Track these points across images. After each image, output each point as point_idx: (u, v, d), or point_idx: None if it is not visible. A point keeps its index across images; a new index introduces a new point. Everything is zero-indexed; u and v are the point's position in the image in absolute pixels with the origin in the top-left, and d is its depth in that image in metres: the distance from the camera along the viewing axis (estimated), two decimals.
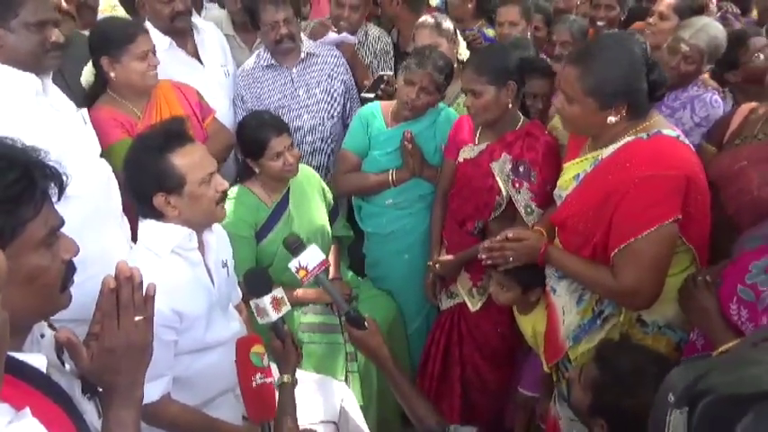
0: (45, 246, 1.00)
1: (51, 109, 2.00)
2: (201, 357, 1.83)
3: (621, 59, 1.72)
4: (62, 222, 1.04)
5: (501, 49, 2.56)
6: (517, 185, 2.31)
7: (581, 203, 1.84)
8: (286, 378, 1.82)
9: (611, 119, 1.74)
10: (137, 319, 1.07)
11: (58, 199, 1.03)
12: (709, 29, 2.55)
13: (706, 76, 2.76)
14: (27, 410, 0.88)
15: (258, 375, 1.58)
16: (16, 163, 0.97)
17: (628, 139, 1.77)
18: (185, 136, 1.75)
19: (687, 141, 1.84)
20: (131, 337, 1.07)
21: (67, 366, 1.12)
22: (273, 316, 1.75)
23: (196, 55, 2.92)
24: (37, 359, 0.99)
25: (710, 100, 2.51)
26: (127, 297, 1.06)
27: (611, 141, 1.80)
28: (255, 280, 1.79)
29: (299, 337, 2.53)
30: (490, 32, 3.69)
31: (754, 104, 2.24)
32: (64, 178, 1.02)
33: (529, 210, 2.31)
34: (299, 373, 2.09)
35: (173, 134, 1.73)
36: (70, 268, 1.06)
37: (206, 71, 2.91)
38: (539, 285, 2.14)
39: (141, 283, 1.09)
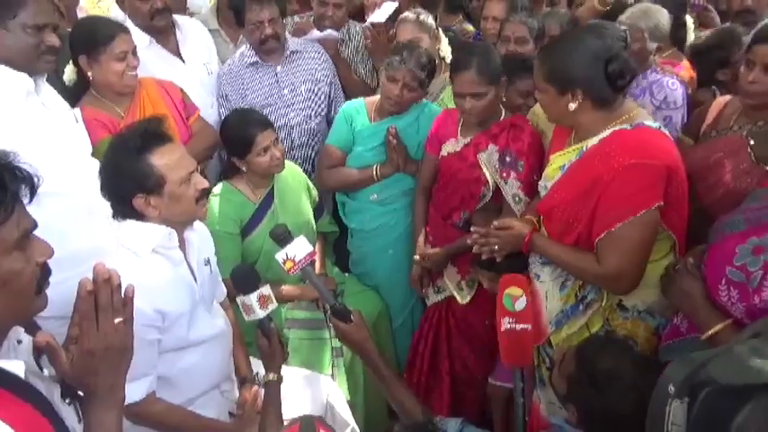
0: (18, 249, 0.99)
1: (42, 108, 1.98)
2: (186, 355, 1.82)
3: (575, 49, 1.83)
4: (35, 225, 1.03)
5: (488, 48, 2.53)
6: (505, 175, 2.33)
7: (567, 192, 1.89)
8: (272, 376, 1.83)
9: (572, 105, 1.84)
10: (116, 321, 1.06)
11: (30, 201, 1.02)
12: (645, 9, 2.73)
13: (686, 67, 2.79)
14: None
15: (506, 320, 1.59)
16: None
17: (612, 129, 1.84)
18: (164, 135, 1.73)
19: (667, 132, 1.90)
20: (110, 340, 1.06)
21: (46, 371, 1.11)
22: (260, 313, 1.75)
23: (177, 52, 2.89)
24: (15, 365, 0.98)
25: (668, 83, 2.60)
26: (106, 299, 1.05)
27: (593, 132, 1.87)
28: (243, 277, 1.79)
29: (284, 333, 2.53)
30: (469, 28, 3.69)
31: (728, 97, 2.28)
32: (35, 180, 1.01)
33: (517, 199, 2.32)
34: (287, 369, 2.10)
35: (150, 134, 1.71)
36: (45, 271, 1.05)
37: (187, 68, 2.88)
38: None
39: (120, 284, 1.08)
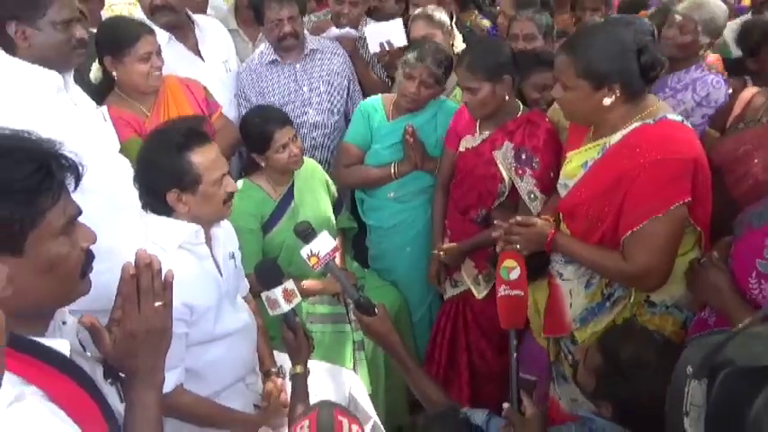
0: (64, 234, 1.02)
1: (72, 105, 2.03)
2: (212, 348, 1.86)
3: (608, 41, 1.78)
4: (80, 211, 1.07)
5: (493, 44, 2.54)
6: (520, 172, 2.33)
7: (590, 189, 1.87)
8: (299, 368, 1.85)
9: (606, 100, 1.79)
10: (156, 304, 1.11)
11: (75, 188, 1.06)
12: (703, 2, 2.59)
13: (714, 59, 2.75)
14: (27, 391, 0.91)
15: (503, 287, 1.80)
16: (34, 155, 0.99)
17: (635, 124, 1.81)
18: (205, 135, 1.78)
19: (689, 125, 1.88)
20: (151, 322, 1.10)
21: (89, 352, 1.15)
22: (285, 307, 1.78)
23: (197, 50, 2.92)
24: (61, 344, 1.02)
25: (712, 81, 2.53)
26: (147, 283, 1.10)
27: (616, 128, 1.83)
28: (267, 272, 1.82)
29: (306, 328, 2.56)
30: (484, 23, 3.69)
31: (755, 89, 2.25)
32: (80, 168, 1.05)
33: (532, 196, 2.32)
34: (309, 363, 2.13)
35: (193, 133, 1.75)
36: (89, 256, 1.09)
37: (206, 66, 2.91)
38: (542, 277, 2.15)
39: (160, 270, 1.12)
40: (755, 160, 2.01)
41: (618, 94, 1.78)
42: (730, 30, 3.09)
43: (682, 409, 0.86)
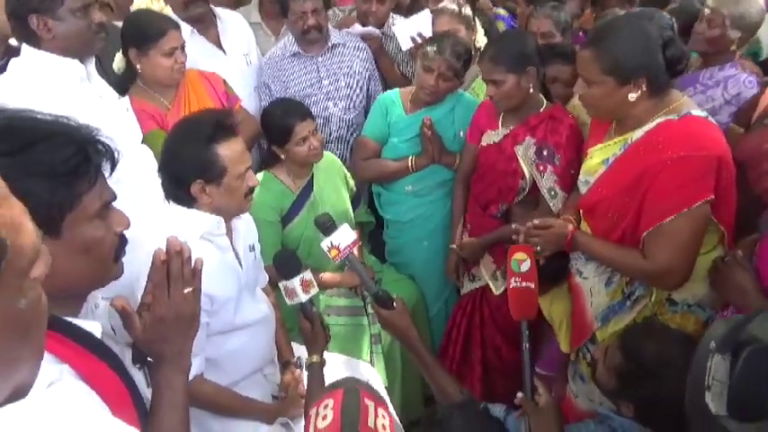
0: (99, 218, 1.04)
1: (95, 95, 2.05)
2: (232, 338, 1.87)
3: (634, 35, 1.75)
4: (114, 197, 1.09)
5: (518, 35, 2.54)
6: (541, 169, 2.32)
7: (612, 186, 1.85)
8: (315, 358, 1.86)
9: (632, 95, 1.76)
10: (186, 290, 1.13)
11: (110, 174, 1.08)
12: None
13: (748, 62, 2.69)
14: (63, 370, 0.93)
15: (514, 279, 1.83)
16: (73, 139, 1.01)
17: (658, 120, 1.78)
18: (232, 129, 1.79)
19: (714, 121, 1.85)
20: (180, 308, 1.12)
21: (119, 337, 1.17)
22: (303, 297, 1.80)
23: (218, 43, 2.94)
24: (93, 326, 1.04)
25: (744, 80, 2.48)
26: (177, 269, 1.12)
27: (639, 124, 1.81)
28: (285, 262, 1.84)
29: (324, 320, 2.58)
30: (501, 11, 3.66)
31: None
32: (116, 155, 1.07)
33: (552, 193, 2.31)
34: (326, 355, 2.14)
35: (222, 125, 1.76)
36: (122, 240, 1.11)
37: (228, 59, 2.93)
38: (562, 280, 2.14)
39: (190, 257, 1.14)
40: None
41: (644, 89, 1.75)
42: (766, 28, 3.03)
43: (703, 383, 0.85)
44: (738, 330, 0.86)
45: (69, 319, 1.02)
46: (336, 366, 2.20)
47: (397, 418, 2.16)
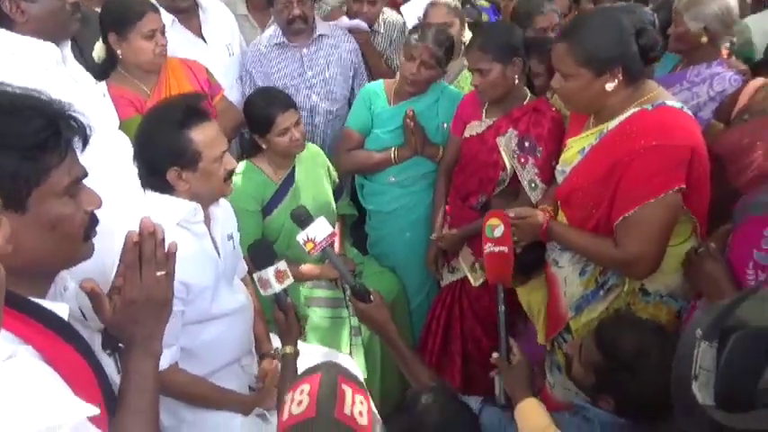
0: (68, 194, 1.02)
1: (71, 80, 2.02)
2: (208, 328, 1.86)
3: (606, 25, 1.77)
4: (85, 174, 1.06)
5: (505, 26, 2.56)
6: (522, 161, 2.33)
7: (586, 175, 1.87)
8: (289, 349, 1.86)
9: (609, 85, 1.77)
10: (158, 273, 1.10)
11: (82, 150, 1.05)
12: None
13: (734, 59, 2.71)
14: (22, 349, 0.91)
15: (488, 245, 1.89)
16: (43, 112, 0.99)
17: (633, 110, 1.80)
18: (204, 113, 1.77)
19: (689, 112, 1.87)
20: (152, 291, 1.10)
21: (89, 321, 1.15)
22: (276, 287, 1.78)
23: (200, 33, 2.92)
24: (60, 308, 1.02)
25: (730, 78, 2.49)
26: (149, 251, 1.09)
27: (615, 114, 1.82)
28: (259, 252, 1.82)
29: (304, 312, 2.57)
30: (484, 3, 3.66)
31: (761, 81, 2.24)
32: (88, 131, 1.05)
33: (533, 185, 2.33)
34: (306, 346, 2.13)
35: (193, 110, 1.74)
36: (93, 219, 1.09)
37: (209, 49, 2.91)
38: (539, 270, 2.16)
39: (163, 240, 1.12)
40: (759, 151, 2.00)
41: (620, 79, 1.77)
42: (761, 31, 3.05)
43: (690, 372, 0.83)
44: (725, 316, 0.84)
45: (35, 299, 1.00)
46: (315, 358, 2.19)
47: (374, 406, 2.15)
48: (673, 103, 1.81)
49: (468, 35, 3.06)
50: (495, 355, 1.84)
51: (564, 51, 1.80)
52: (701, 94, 2.48)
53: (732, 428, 0.78)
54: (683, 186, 1.72)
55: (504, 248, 1.88)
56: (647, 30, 1.76)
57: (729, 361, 0.81)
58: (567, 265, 2.00)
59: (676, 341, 1.54)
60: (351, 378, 1.27)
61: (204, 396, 1.85)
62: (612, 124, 1.82)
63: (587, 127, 1.93)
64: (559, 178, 2.03)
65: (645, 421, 1.59)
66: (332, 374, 1.24)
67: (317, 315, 2.59)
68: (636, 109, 1.79)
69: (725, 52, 2.56)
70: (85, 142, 1.05)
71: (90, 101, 2.07)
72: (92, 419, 0.95)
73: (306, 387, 1.20)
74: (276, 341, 2.14)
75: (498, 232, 1.88)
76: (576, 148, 1.94)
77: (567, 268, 2.00)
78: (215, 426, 1.88)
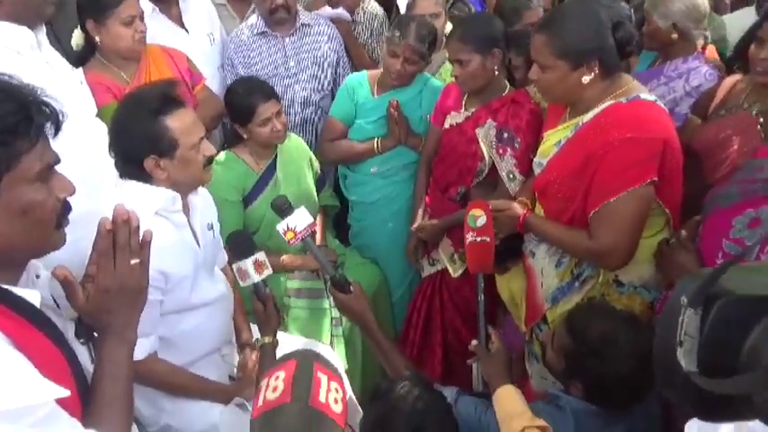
0: (40, 180, 1.01)
1: (47, 66, 1.99)
2: (188, 318, 1.86)
3: (584, 18, 1.79)
4: (58, 160, 1.05)
5: (485, 18, 2.57)
6: (501, 152, 2.35)
7: (562, 168, 1.89)
8: (267, 339, 1.86)
9: (586, 78, 1.79)
10: (132, 261, 1.09)
11: (55, 136, 1.04)
12: None
13: (712, 48, 2.73)
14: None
15: (470, 234, 1.91)
16: (13, 96, 0.98)
17: (608, 103, 1.82)
18: (179, 100, 1.75)
19: (663, 106, 1.89)
20: (126, 279, 1.09)
21: (62, 310, 1.14)
22: (255, 278, 1.79)
23: (180, 22, 2.89)
24: (31, 294, 1.01)
25: (705, 72, 2.51)
26: (123, 239, 1.08)
27: (591, 107, 1.84)
28: (238, 243, 1.83)
29: (285, 303, 2.57)
30: None
31: (738, 77, 2.27)
32: (60, 116, 1.03)
33: (511, 176, 2.34)
34: (286, 337, 2.14)
35: (167, 97, 1.72)
36: (66, 207, 1.07)
37: (190, 38, 2.88)
38: (515, 259, 2.18)
39: (138, 227, 1.11)
40: (734, 146, 2.03)
41: (596, 72, 1.79)
42: (739, 27, 3.07)
43: (674, 339, 0.83)
44: (710, 284, 0.84)
45: (5, 286, 0.99)
46: (295, 348, 2.20)
47: (351, 393, 2.17)
48: (646, 96, 1.84)
49: (449, 27, 3.06)
50: (473, 342, 1.88)
51: (542, 43, 1.82)
52: (678, 89, 2.50)
53: (712, 393, 0.79)
54: (656, 179, 1.75)
55: (487, 238, 1.91)
56: (624, 24, 1.78)
57: (713, 327, 0.82)
58: (543, 256, 2.03)
59: (647, 331, 1.58)
60: (327, 366, 1.27)
61: (184, 385, 1.86)
62: (587, 117, 1.84)
63: (564, 119, 1.94)
64: (537, 171, 2.05)
65: (614, 408, 1.62)
66: (308, 361, 1.25)
67: (297, 306, 2.60)
68: (611, 102, 1.81)
69: (701, 45, 2.58)
70: (58, 128, 1.04)
71: (66, 87, 2.04)
72: (65, 406, 0.95)
73: (281, 374, 1.21)
74: (256, 332, 2.15)
75: (481, 222, 1.91)
76: (552, 141, 1.96)
77: (543, 260, 2.03)
78: (194, 415, 1.88)
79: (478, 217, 1.91)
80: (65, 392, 0.66)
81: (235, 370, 2.05)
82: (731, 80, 2.27)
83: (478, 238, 1.91)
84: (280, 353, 1.83)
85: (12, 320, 0.95)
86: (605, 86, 1.82)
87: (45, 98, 1.02)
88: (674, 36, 2.51)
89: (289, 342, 2.09)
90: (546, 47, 1.80)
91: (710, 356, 0.81)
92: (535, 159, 2.07)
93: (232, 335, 2.11)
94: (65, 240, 1.09)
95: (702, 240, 1.68)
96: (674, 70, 2.57)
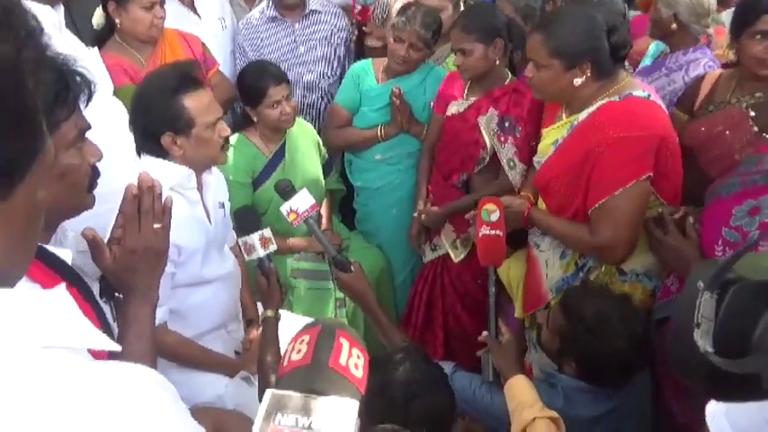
0: (75, 147, 1.07)
1: (68, 46, 2.05)
2: (198, 291, 1.91)
3: (580, 21, 1.84)
4: (89, 126, 1.11)
5: (488, 7, 2.60)
6: (502, 140, 2.40)
7: (561, 166, 1.94)
8: (270, 313, 1.90)
9: (578, 80, 1.84)
10: (156, 226, 1.16)
11: (87, 105, 1.09)
12: None
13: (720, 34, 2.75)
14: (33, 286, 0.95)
15: (483, 227, 1.97)
16: (52, 66, 1.03)
17: (601, 102, 1.87)
18: (197, 80, 1.83)
19: (659, 101, 1.93)
20: (150, 241, 1.16)
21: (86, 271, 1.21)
22: (261, 252, 1.83)
23: (192, 7, 2.95)
24: (64, 252, 1.07)
25: (704, 64, 2.52)
26: (148, 204, 1.15)
27: (585, 105, 1.90)
28: (245, 218, 1.89)
29: (290, 283, 2.63)
30: None
31: (719, 72, 2.30)
32: (92, 86, 1.09)
33: (511, 164, 2.39)
34: (290, 316, 2.19)
35: (186, 77, 1.80)
36: (95, 171, 1.14)
37: (202, 23, 2.94)
38: (522, 246, 2.23)
39: (161, 194, 1.18)
40: (730, 141, 2.07)
41: (588, 74, 1.84)
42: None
43: (692, 321, 0.88)
44: (725, 269, 0.90)
45: (41, 245, 1.04)
46: (299, 327, 2.25)
47: None
48: (639, 93, 1.88)
49: None
50: (484, 333, 1.92)
51: (537, 42, 1.87)
52: (677, 81, 2.52)
53: (727, 372, 0.84)
54: (651, 174, 1.80)
55: (499, 232, 1.96)
56: (619, 28, 1.83)
57: (728, 311, 0.87)
58: (547, 249, 2.07)
59: (640, 312, 1.63)
60: (351, 333, 1.32)
61: (192, 356, 1.92)
62: (582, 116, 1.89)
63: (559, 117, 2.00)
64: (537, 168, 2.10)
65: (604, 387, 1.68)
66: (332, 327, 1.29)
67: (302, 287, 2.66)
68: (604, 100, 1.86)
69: (703, 39, 2.60)
70: (90, 97, 1.09)
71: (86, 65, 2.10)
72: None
73: (306, 337, 1.24)
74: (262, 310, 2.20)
75: (495, 217, 1.96)
76: (549, 140, 2.02)
77: (547, 252, 2.07)
78: (201, 386, 1.94)
79: (492, 212, 1.96)
80: (116, 347, 0.71)
81: (240, 345, 2.12)
82: (713, 75, 2.29)
83: (492, 232, 1.96)
84: (282, 329, 1.89)
85: (49, 276, 1.02)
86: (599, 87, 1.87)
87: (79, 68, 1.07)
88: (674, 26, 2.53)
89: (293, 321, 2.14)
90: (541, 45, 1.86)
91: (725, 337, 0.87)
92: (535, 158, 2.12)
93: (239, 312, 2.16)
94: (94, 202, 1.16)
95: (703, 228, 1.72)
96: (675, 62, 2.58)
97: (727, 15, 3.18)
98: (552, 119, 2.04)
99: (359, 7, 2.95)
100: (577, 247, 1.97)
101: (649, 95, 1.90)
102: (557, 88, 1.90)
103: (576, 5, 1.98)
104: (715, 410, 0.96)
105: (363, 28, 3.05)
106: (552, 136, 2.00)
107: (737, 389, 0.88)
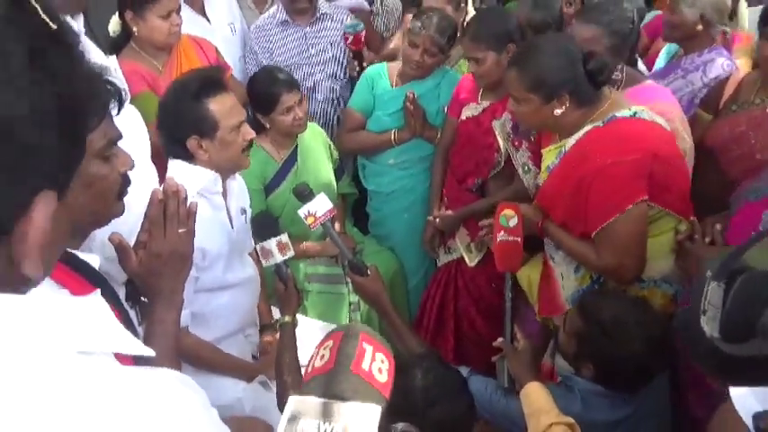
0: (104, 156, 1.07)
1: (87, 52, 2.07)
2: (218, 296, 1.93)
3: (554, 54, 1.85)
4: (120, 136, 1.11)
5: (498, 13, 2.60)
6: (516, 144, 2.40)
7: (556, 194, 1.96)
8: (287, 318, 1.92)
9: (557, 111, 1.85)
10: (180, 230, 1.18)
11: (117, 113, 1.11)
12: None
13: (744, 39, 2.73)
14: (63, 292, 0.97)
15: (501, 233, 1.97)
16: (81, 75, 1.05)
17: (585, 128, 1.87)
18: (222, 84, 1.86)
19: (647, 114, 1.90)
20: (175, 245, 1.17)
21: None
22: (278, 258, 1.85)
23: (203, 12, 2.98)
24: (91, 258, 1.09)
25: (722, 64, 2.50)
26: (173, 209, 1.17)
27: (573, 131, 1.90)
28: (263, 224, 1.91)
29: (304, 287, 2.64)
30: None
31: (745, 71, 2.30)
32: (123, 94, 1.11)
33: (526, 168, 2.39)
34: (306, 320, 2.20)
35: (211, 81, 1.83)
36: (126, 180, 1.15)
37: (213, 28, 2.97)
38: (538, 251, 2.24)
39: (186, 198, 1.20)
40: (753, 141, 2.07)
41: (568, 105, 1.84)
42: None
43: (699, 308, 0.91)
44: (733, 260, 0.92)
45: (71, 251, 1.05)
46: (314, 332, 2.26)
47: None
48: (623, 113, 1.87)
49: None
50: (500, 339, 1.92)
51: (513, 78, 1.89)
52: (695, 82, 2.50)
53: (732, 356, 0.87)
54: (646, 197, 1.80)
55: (517, 238, 1.96)
56: (595, 55, 1.83)
57: (735, 299, 0.89)
58: (561, 262, 2.07)
59: (658, 315, 1.63)
60: (374, 337, 1.32)
61: (212, 360, 1.94)
62: (569, 143, 1.91)
63: (554, 138, 2.01)
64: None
65: (622, 390, 1.69)
66: (355, 332, 1.29)
67: (316, 291, 2.67)
68: (589, 126, 1.87)
69: (719, 39, 2.57)
70: (120, 105, 1.11)
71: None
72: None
73: (330, 343, 1.25)
74: (277, 315, 2.22)
75: (513, 223, 1.96)
76: (545, 164, 2.03)
77: (562, 265, 2.07)
78: (220, 389, 1.94)
79: (511, 217, 1.96)
80: (150, 351, 0.72)
81: (257, 350, 2.14)
82: (740, 74, 2.29)
83: (510, 238, 1.96)
84: (299, 333, 1.91)
85: (77, 282, 1.03)
86: (582, 113, 1.87)
87: (110, 77, 1.08)
88: (700, 27, 2.50)
89: (308, 325, 2.16)
90: (517, 81, 1.88)
91: (731, 324, 0.89)
92: (539, 177, 2.12)
93: (257, 317, 2.18)
94: (123, 210, 1.17)
95: (730, 234, 1.71)
96: (691, 63, 2.56)
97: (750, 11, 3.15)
98: (549, 138, 2.05)
99: (350, 38, 2.94)
100: (586, 265, 1.98)
101: (635, 113, 1.88)
102: (539, 120, 1.93)
103: (547, 37, 1.98)
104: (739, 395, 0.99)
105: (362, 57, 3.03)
106: (547, 159, 2.02)
107: (744, 374, 0.91)
